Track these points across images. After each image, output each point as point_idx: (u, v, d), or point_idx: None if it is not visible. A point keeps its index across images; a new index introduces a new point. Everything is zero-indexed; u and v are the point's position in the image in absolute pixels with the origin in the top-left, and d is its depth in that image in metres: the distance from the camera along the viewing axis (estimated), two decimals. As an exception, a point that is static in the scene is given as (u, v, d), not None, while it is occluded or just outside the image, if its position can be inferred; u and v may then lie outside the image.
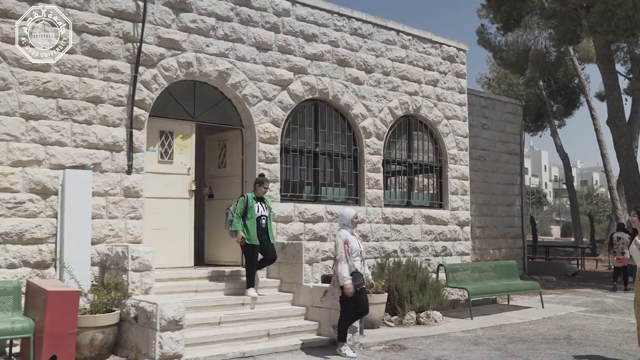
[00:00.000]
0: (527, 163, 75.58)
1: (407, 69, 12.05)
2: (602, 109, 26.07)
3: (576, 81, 29.27)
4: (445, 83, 12.73)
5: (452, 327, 10.28)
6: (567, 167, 29.47)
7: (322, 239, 10.44)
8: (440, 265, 11.72)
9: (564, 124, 32.38)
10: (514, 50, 25.84)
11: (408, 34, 12.12)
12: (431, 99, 12.42)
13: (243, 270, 9.74)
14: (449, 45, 12.89)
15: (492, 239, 17.06)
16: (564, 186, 71.99)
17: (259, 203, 8.83)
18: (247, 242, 8.64)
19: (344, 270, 7.44)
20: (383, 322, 10.34)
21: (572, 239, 33.85)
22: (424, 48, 12.41)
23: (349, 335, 7.97)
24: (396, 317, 10.41)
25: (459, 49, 13.08)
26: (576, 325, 10.61)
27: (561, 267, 19.63)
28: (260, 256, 8.85)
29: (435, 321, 10.56)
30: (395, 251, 11.42)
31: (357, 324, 8.71)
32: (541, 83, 28.97)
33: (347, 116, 11.14)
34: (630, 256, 7.47)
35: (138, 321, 7.28)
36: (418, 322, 10.39)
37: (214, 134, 10.82)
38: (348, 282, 7.41)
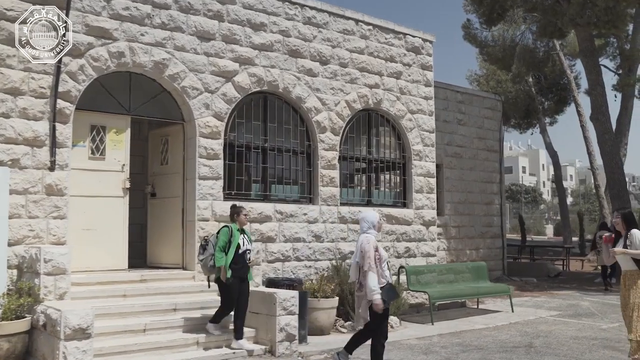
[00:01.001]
0: (525, 162, 74.83)
1: (367, 61, 11.48)
2: (588, 105, 25.39)
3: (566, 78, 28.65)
4: (409, 75, 12.16)
5: (408, 333, 9.74)
6: (557, 165, 28.89)
7: (270, 239, 9.89)
8: (402, 267, 11.16)
9: (555, 121, 31.77)
10: (500, 46, 25.24)
11: (368, 24, 11.56)
12: (394, 92, 11.84)
13: (182, 272, 9.23)
14: (414, 36, 12.32)
15: (469, 239, 16.48)
16: (564, 184, 71.29)
17: (242, 235, 7.84)
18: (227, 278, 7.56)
19: (373, 282, 6.23)
20: (335, 328, 9.81)
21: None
22: (385, 39, 11.83)
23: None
24: (350, 322, 9.85)
25: (425, 40, 12.51)
26: (542, 331, 10.06)
27: (544, 268, 19.04)
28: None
29: (392, 327, 10.03)
30: (352, 252, 10.81)
31: (299, 331, 8.17)
32: (530, 79, 28.36)
33: (300, 110, 10.58)
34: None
35: (46, 329, 6.75)
36: (372, 328, 9.81)
37: (157, 129, 10.27)
38: (377, 297, 6.21)
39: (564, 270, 20.69)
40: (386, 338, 6.66)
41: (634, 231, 6.92)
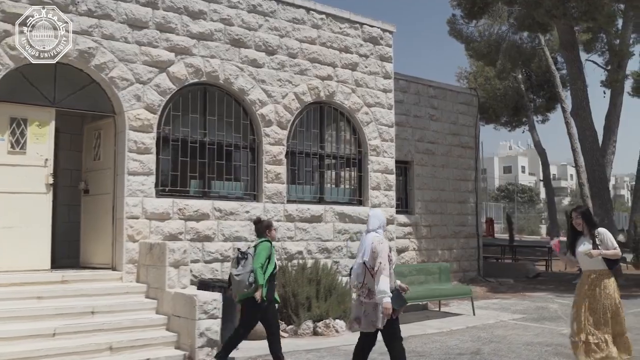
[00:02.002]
0: (524, 161, 74.12)
1: (319, 51, 11.02)
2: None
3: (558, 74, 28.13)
4: (366, 67, 11.68)
5: (352, 338, 9.16)
6: (545, 164, 28.32)
7: (208, 238, 9.42)
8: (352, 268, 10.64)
9: (547, 119, 31.21)
10: (485, 41, 24.71)
11: (321, 13, 11.10)
12: (348, 84, 11.37)
13: (110, 272, 8.81)
14: (372, 26, 11.85)
15: (442, 238, 15.98)
16: (563, 184, 70.57)
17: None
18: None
19: (385, 284, 5.77)
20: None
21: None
22: (340, 28, 11.36)
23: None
24: (292, 326, 9.38)
25: (384, 30, 12.03)
26: (497, 336, 9.59)
27: (523, 269, 18.52)
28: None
29: (337, 331, 9.58)
30: (300, 252, 10.40)
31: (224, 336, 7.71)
32: (520, 76, 27.80)
33: (243, 102, 10.12)
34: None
35: (-64, 334, 6.31)
36: (315, 333, 9.36)
37: (91, 122, 9.84)
38: (388, 300, 5.74)
39: (547, 270, 20.17)
40: (401, 339, 6.19)
41: (603, 230, 6.61)
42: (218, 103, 9.95)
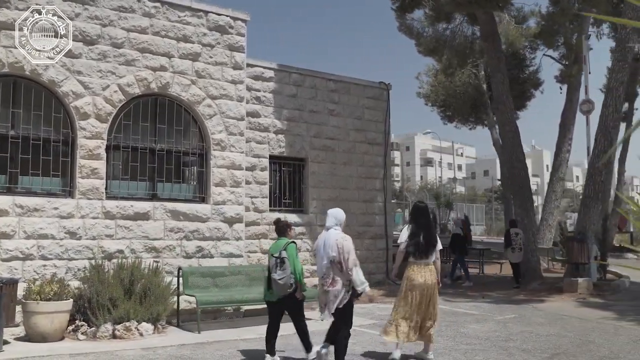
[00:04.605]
0: (528, 163, 72.51)
1: (151, 41, 10.74)
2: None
3: (527, 71, 27.50)
4: (211, 57, 11.36)
5: (147, 343, 8.92)
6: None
7: (6, 235, 9.16)
8: (180, 268, 10.31)
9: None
10: (432, 37, 24.09)
11: (154, 1, 10.78)
12: (187, 76, 11.06)
13: None
14: (219, 14, 11.52)
15: (341, 239, 15.45)
16: (568, 185, 68.75)
17: None
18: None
19: (361, 276, 7.13)
20: (73, 334, 9.05)
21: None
22: (179, 17, 11.07)
23: None
24: (93, 329, 9.08)
25: (235, 19, 11.71)
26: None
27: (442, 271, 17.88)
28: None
29: (141, 334, 9.24)
30: (121, 251, 10.10)
31: None
32: (482, 73, 27.14)
33: (56, 94, 9.84)
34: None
35: None
36: (115, 336, 9.03)
37: None
38: (368, 288, 7.32)
39: (479, 273, 19.57)
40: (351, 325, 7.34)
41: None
42: (25, 95, 9.71)
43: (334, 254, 6.92)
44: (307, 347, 7.60)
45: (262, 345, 8.75)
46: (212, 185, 11.22)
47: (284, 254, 7.46)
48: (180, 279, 10.23)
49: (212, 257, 11.09)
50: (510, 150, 17.04)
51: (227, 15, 11.67)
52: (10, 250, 9.30)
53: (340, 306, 6.97)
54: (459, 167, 69.73)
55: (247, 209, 13.77)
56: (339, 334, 7.10)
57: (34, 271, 9.42)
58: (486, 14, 17.21)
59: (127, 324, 9.18)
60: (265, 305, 10.98)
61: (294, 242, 7.65)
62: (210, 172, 11.23)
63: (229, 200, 11.37)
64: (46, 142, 9.87)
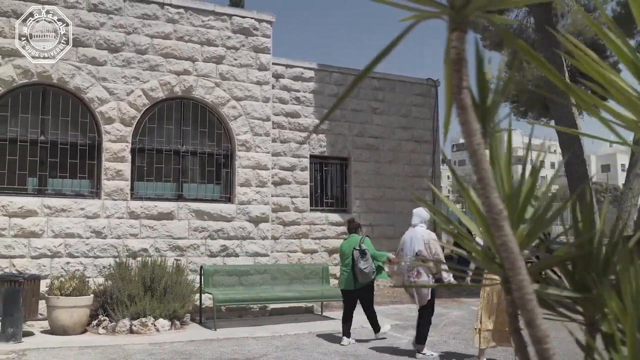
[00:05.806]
0: (624, 159, 67.93)
1: (175, 46, 11.14)
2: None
3: (607, 62, 25.91)
4: (235, 59, 11.60)
5: (159, 338, 9.25)
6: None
7: (35, 234, 9.80)
8: (202, 267, 10.58)
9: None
10: (498, 29, 23.27)
11: (177, 7, 11.16)
12: (211, 78, 11.36)
13: None
14: (243, 17, 11.73)
15: (387, 239, 15.28)
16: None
17: None
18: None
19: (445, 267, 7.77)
20: (95, 328, 9.53)
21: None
22: (202, 21, 11.41)
23: None
24: (114, 323, 9.53)
25: (259, 21, 11.89)
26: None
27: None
28: None
29: (158, 330, 9.58)
30: (145, 250, 10.52)
31: (5, 328, 8.03)
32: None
33: (82, 100, 10.43)
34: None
35: None
36: (132, 331, 9.43)
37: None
38: (451, 276, 7.76)
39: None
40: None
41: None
42: (53, 102, 10.34)
43: (421, 248, 7.71)
44: (376, 328, 9.03)
45: (269, 343, 8.85)
46: (237, 186, 11.44)
47: (364, 246, 8.63)
48: (202, 277, 10.51)
49: (237, 255, 11.30)
50: (568, 146, 16.11)
51: (251, 18, 11.88)
52: (39, 248, 9.94)
53: (429, 297, 7.82)
54: (552, 165, 66.43)
55: (287, 209, 13.93)
56: (423, 319, 7.86)
57: (62, 268, 10.01)
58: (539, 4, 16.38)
59: (144, 319, 9.54)
60: (289, 305, 11.15)
61: (367, 236, 9.10)
62: (236, 173, 11.46)
63: (254, 200, 11.54)
64: (73, 146, 10.47)
